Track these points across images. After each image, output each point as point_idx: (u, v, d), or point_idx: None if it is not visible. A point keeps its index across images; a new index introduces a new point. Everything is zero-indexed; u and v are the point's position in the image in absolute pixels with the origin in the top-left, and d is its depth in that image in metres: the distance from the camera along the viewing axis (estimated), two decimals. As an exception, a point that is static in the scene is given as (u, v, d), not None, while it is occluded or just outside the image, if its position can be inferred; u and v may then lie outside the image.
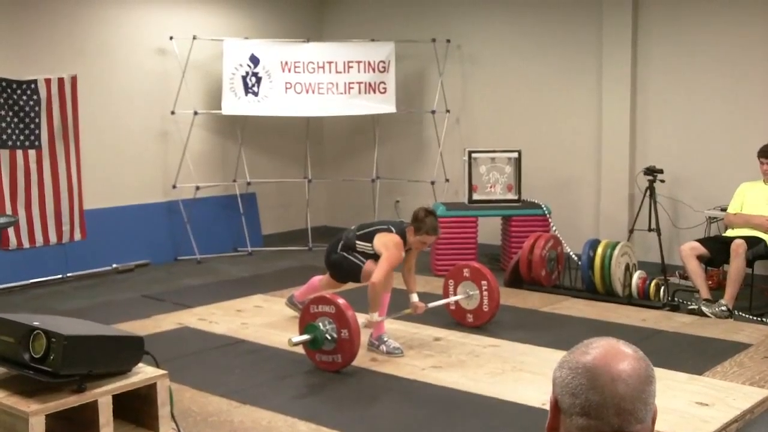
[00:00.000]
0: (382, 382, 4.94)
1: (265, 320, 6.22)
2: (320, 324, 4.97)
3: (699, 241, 6.65)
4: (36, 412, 3.07)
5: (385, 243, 5.34)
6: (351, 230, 5.62)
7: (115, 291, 7.45)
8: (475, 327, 5.94)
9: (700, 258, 6.50)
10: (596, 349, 1.50)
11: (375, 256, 5.38)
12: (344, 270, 5.57)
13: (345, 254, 5.52)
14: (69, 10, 7.91)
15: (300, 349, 5.08)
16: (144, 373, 3.45)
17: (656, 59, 7.90)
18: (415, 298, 5.67)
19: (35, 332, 3.18)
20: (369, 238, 5.42)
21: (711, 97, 7.65)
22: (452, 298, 5.99)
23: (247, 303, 6.76)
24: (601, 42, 8.14)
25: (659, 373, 4.72)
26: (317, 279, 6.02)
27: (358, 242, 5.47)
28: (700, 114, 7.72)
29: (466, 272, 6.04)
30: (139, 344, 3.46)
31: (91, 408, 3.23)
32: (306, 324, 5.06)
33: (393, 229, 5.46)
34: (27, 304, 6.92)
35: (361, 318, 5.16)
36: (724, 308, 6.23)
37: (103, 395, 3.24)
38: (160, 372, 3.48)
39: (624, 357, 1.48)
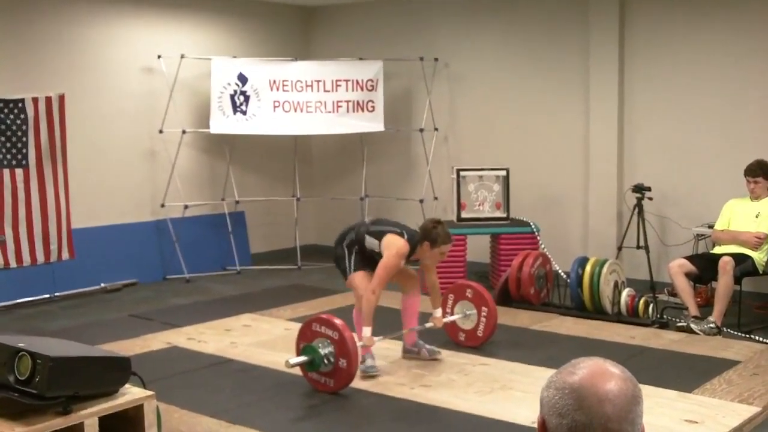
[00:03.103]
0: (372, 401, 4.92)
1: (254, 339, 6.20)
2: (319, 346, 4.94)
3: (687, 258, 6.68)
4: (21, 436, 3.04)
5: (389, 246, 5.27)
6: (365, 224, 5.55)
7: (103, 310, 7.41)
8: (465, 347, 5.93)
9: (688, 275, 6.52)
10: (583, 369, 1.50)
11: (372, 262, 5.34)
12: (339, 267, 5.54)
13: (347, 252, 5.45)
14: (57, 29, 7.91)
15: (290, 369, 5.04)
16: (131, 394, 3.42)
17: (643, 77, 7.95)
18: (438, 313, 5.67)
19: (20, 354, 3.16)
20: (380, 236, 5.36)
21: (698, 114, 7.70)
22: (451, 318, 5.96)
23: (236, 322, 6.73)
24: (588, 60, 8.19)
25: (648, 390, 4.76)
26: (403, 303, 5.75)
27: (366, 236, 5.38)
28: (688, 132, 7.77)
29: (468, 292, 6.01)
30: (125, 365, 3.43)
31: (77, 430, 3.20)
32: (304, 343, 5.03)
33: (405, 234, 5.40)
34: (14, 324, 6.88)
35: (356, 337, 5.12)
36: (712, 325, 6.25)
37: (89, 417, 3.21)
38: (147, 393, 3.46)
39: (611, 377, 1.48)
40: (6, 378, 3.18)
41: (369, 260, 5.37)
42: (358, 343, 5.05)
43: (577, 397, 1.46)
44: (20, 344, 3.21)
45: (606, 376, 1.48)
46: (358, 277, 5.35)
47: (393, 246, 5.27)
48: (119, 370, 3.41)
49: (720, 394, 4.86)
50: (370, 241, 5.37)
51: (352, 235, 5.49)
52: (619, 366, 1.52)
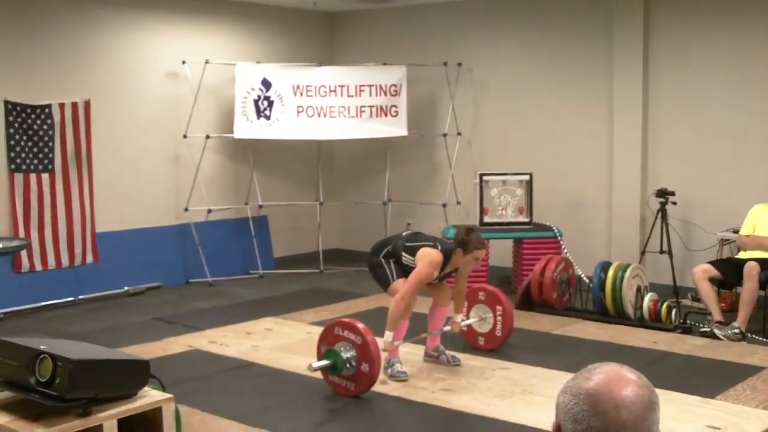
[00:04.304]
0: (393, 405, 4.92)
1: (276, 343, 6.22)
2: (341, 350, 4.95)
3: (711, 263, 6.62)
4: (40, 437, 3.07)
5: (422, 257, 5.30)
6: (401, 237, 5.57)
7: (127, 314, 7.46)
8: (486, 350, 5.92)
9: (712, 280, 6.47)
10: (599, 374, 1.49)
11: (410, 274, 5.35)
12: (377, 276, 5.55)
13: (384, 262, 5.47)
14: (83, 35, 7.99)
15: (312, 373, 5.04)
16: (150, 397, 3.44)
17: (667, 82, 7.91)
18: (458, 318, 5.69)
19: (41, 356, 3.19)
20: (414, 251, 5.38)
21: (722, 118, 7.64)
22: (467, 321, 5.95)
23: (257, 326, 6.76)
24: (612, 65, 8.15)
25: (671, 396, 4.73)
26: (431, 309, 5.77)
27: (403, 254, 5.42)
28: (712, 136, 7.71)
29: (481, 295, 6.02)
30: (145, 368, 3.45)
31: (96, 432, 3.23)
32: (326, 347, 5.04)
33: (439, 246, 5.42)
34: (39, 327, 6.95)
35: (379, 342, 5.11)
36: (736, 331, 6.19)
37: (108, 419, 3.24)
38: (166, 396, 3.48)
39: (627, 383, 1.47)
40: (27, 380, 3.21)
41: (407, 272, 5.39)
42: (380, 348, 5.05)
43: (593, 402, 1.45)
44: (41, 346, 3.24)
45: (622, 382, 1.47)
46: (401, 284, 5.36)
47: (426, 257, 5.30)
48: (139, 373, 3.43)
49: (743, 400, 4.81)
50: (406, 258, 5.41)
51: (389, 248, 5.52)
52: (635, 372, 1.51)
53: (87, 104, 7.84)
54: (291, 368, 5.52)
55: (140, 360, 3.54)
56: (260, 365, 5.68)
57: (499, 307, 5.91)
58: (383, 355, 5.16)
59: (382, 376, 5.19)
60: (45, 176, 7.61)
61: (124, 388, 3.38)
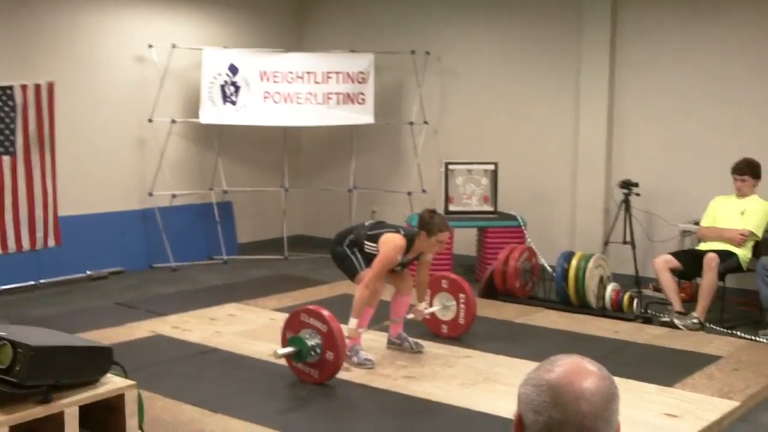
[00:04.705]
0: (356, 392, 4.93)
1: (239, 329, 6.20)
2: (306, 337, 4.94)
3: (672, 254, 6.71)
4: (0, 424, 3.04)
5: (386, 242, 5.30)
6: (364, 227, 5.56)
7: (89, 298, 7.40)
8: (449, 338, 5.95)
9: (673, 271, 6.56)
10: (561, 366, 1.51)
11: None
12: (343, 266, 5.54)
13: (349, 251, 5.47)
14: (48, 16, 7.88)
15: (276, 359, 5.04)
16: (112, 383, 3.41)
17: (633, 73, 7.98)
18: (421, 306, 5.70)
19: (1, 343, 3.15)
20: (376, 239, 5.38)
21: (686, 111, 7.74)
22: (430, 309, 5.98)
23: (220, 311, 6.73)
24: (579, 56, 8.21)
25: (629, 384, 4.80)
26: (393, 298, 5.78)
27: (366, 242, 5.42)
28: (676, 128, 7.81)
29: (444, 283, 6.05)
30: (107, 354, 3.42)
31: (58, 419, 3.19)
32: (291, 334, 5.03)
33: (402, 231, 5.43)
34: (-1, 311, 6.88)
35: (344, 330, 5.11)
36: (695, 321, 6.29)
37: (69, 406, 3.21)
38: (129, 382, 3.45)
39: (588, 375, 1.49)
40: (-13, 367, 3.17)
41: (371, 261, 5.39)
42: (344, 335, 5.05)
43: (554, 394, 1.47)
44: (1, 333, 3.20)
45: (583, 373, 1.49)
46: (368, 272, 5.36)
47: (390, 242, 5.31)
48: (100, 360, 3.40)
49: (700, 388, 4.90)
50: (369, 246, 5.41)
51: (351, 236, 5.52)
52: (596, 364, 1.53)
53: (50, 86, 7.70)
54: (254, 354, 5.51)
55: (102, 346, 3.51)
56: (223, 351, 5.67)
57: (462, 295, 5.95)
58: (346, 342, 5.17)
59: (345, 363, 5.20)
60: (6, 159, 7.47)
61: (85, 375, 3.34)
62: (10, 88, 7.46)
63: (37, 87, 7.62)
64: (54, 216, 7.84)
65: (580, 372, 1.50)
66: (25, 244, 7.65)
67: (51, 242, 7.84)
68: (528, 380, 1.53)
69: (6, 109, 7.46)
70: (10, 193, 7.51)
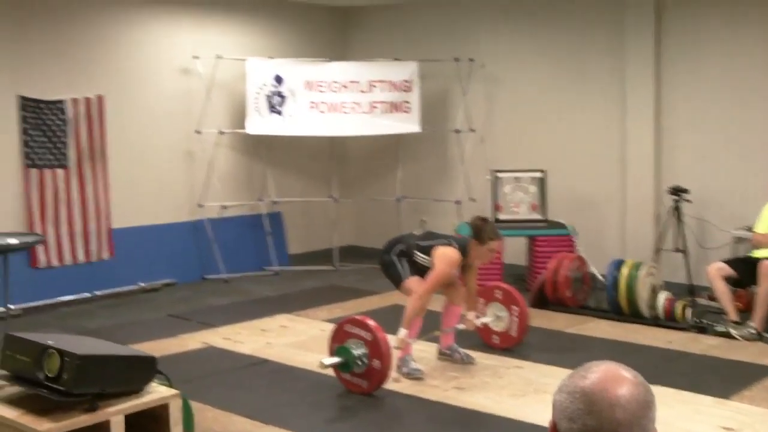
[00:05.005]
0: (406, 404, 4.92)
1: (290, 340, 6.23)
2: (352, 347, 4.95)
3: (726, 261, 6.59)
4: (49, 431, 3.08)
5: (441, 257, 5.28)
6: (414, 236, 5.55)
7: (142, 310, 7.49)
8: (501, 349, 5.91)
9: (727, 279, 6.43)
10: (595, 373, 1.49)
11: (425, 273, 5.33)
12: (389, 274, 5.54)
13: (396, 259, 5.46)
14: (96, 31, 8.02)
15: (323, 370, 5.05)
16: (157, 392, 3.45)
17: (680, 77, 7.86)
18: (471, 316, 5.65)
19: (49, 351, 3.20)
20: (428, 250, 5.35)
21: (737, 115, 7.60)
22: (482, 320, 5.94)
23: (272, 323, 6.77)
24: (624, 61, 8.11)
25: (684, 396, 4.72)
26: (445, 308, 5.76)
27: (417, 252, 5.40)
28: (726, 133, 7.67)
29: (497, 293, 6.00)
30: (151, 363, 3.46)
31: (104, 427, 3.24)
32: (337, 345, 5.05)
33: (454, 243, 5.40)
34: (54, 322, 6.99)
35: (391, 340, 5.11)
36: (752, 330, 6.16)
37: (115, 414, 3.25)
38: (173, 392, 3.48)
39: (623, 382, 1.47)
40: (35, 375, 3.23)
41: (421, 271, 5.37)
42: (392, 345, 5.05)
43: (588, 401, 1.45)
44: (49, 342, 3.26)
45: (618, 380, 1.47)
46: (414, 282, 5.35)
47: (445, 256, 5.28)
48: (145, 369, 3.44)
49: (758, 401, 4.79)
50: (420, 257, 5.39)
51: (401, 246, 5.50)
52: (631, 371, 1.51)
53: (100, 99, 7.87)
54: (304, 365, 5.53)
55: (147, 356, 3.55)
56: (274, 362, 5.70)
57: (515, 308, 5.89)
58: (396, 353, 5.17)
59: (395, 374, 5.20)
60: (60, 172, 7.65)
61: (130, 384, 3.38)
62: (62, 102, 7.63)
63: (88, 101, 7.79)
64: (107, 228, 7.99)
65: (614, 379, 1.48)
66: (80, 256, 7.81)
67: (104, 254, 7.99)
68: (562, 387, 1.51)
69: (58, 122, 7.63)
70: (65, 205, 7.67)
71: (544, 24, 8.76)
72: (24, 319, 7.05)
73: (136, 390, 3.41)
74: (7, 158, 7.42)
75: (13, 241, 6.25)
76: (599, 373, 1.49)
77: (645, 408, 1.46)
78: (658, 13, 7.90)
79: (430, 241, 5.45)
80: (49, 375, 3.20)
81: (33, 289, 7.41)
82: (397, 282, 5.48)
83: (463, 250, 5.35)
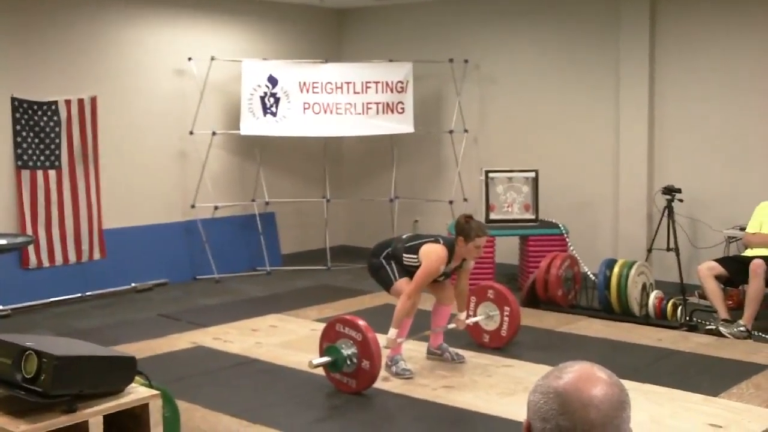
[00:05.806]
0: (395, 403, 4.92)
1: (279, 340, 6.23)
2: (342, 346, 4.95)
3: (717, 260, 6.59)
4: (25, 434, 3.07)
5: (427, 253, 5.26)
6: (401, 240, 5.53)
7: (133, 310, 7.48)
8: (491, 348, 5.91)
9: (718, 278, 6.43)
10: (569, 373, 1.48)
11: (413, 274, 5.32)
12: (378, 278, 5.52)
13: (385, 263, 5.45)
14: (89, 32, 8.01)
15: (313, 369, 5.05)
16: (136, 393, 3.43)
17: (674, 79, 7.87)
18: (462, 316, 5.65)
19: (27, 353, 3.19)
20: (416, 250, 5.34)
21: (729, 115, 7.60)
22: (473, 319, 5.94)
23: (262, 322, 6.77)
24: (618, 62, 8.12)
25: (674, 393, 4.72)
26: (434, 308, 5.77)
27: (404, 255, 5.38)
28: (719, 133, 7.67)
29: (490, 293, 6.00)
30: (131, 364, 3.44)
31: (82, 428, 3.21)
32: (327, 344, 5.04)
33: (441, 240, 5.39)
34: (46, 323, 6.98)
35: (382, 339, 5.11)
36: (742, 329, 6.16)
37: (94, 416, 3.23)
38: (153, 392, 3.47)
39: (597, 382, 1.46)
40: (14, 376, 3.21)
41: (410, 273, 5.36)
42: (382, 345, 5.05)
43: (562, 401, 1.44)
44: (27, 343, 3.24)
45: (592, 380, 1.46)
46: (404, 283, 5.34)
47: (432, 253, 5.26)
48: (125, 369, 3.41)
49: (747, 398, 4.79)
50: (408, 258, 5.37)
51: (389, 250, 5.48)
52: (606, 371, 1.50)
53: (93, 101, 7.87)
54: (294, 365, 5.52)
55: (126, 356, 3.53)
56: (263, 362, 5.69)
57: (506, 308, 5.89)
58: (385, 353, 5.16)
59: (384, 373, 5.19)
60: (52, 173, 7.64)
61: (110, 384, 3.36)
62: (55, 103, 7.63)
63: (81, 102, 7.78)
64: (99, 229, 7.99)
65: (588, 379, 1.46)
66: (71, 256, 7.80)
67: (96, 255, 7.98)
68: (537, 387, 1.50)
69: (51, 123, 7.62)
70: (57, 206, 7.67)
71: (539, 26, 8.76)
72: (14, 320, 7.05)
73: (116, 391, 3.39)
74: (-2, 159, 7.42)
75: (1, 242, 6.25)
76: (573, 373, 1.48)
77: (619, 408, 1.45)
78: (653, 14, 7.90)
79: (416, 241, 5.45)
80: (27, 376, 3.18)
81: (24, 290, 7.41)
82: (387, 285, 5.46)
83: (451, 248, 5.34)
